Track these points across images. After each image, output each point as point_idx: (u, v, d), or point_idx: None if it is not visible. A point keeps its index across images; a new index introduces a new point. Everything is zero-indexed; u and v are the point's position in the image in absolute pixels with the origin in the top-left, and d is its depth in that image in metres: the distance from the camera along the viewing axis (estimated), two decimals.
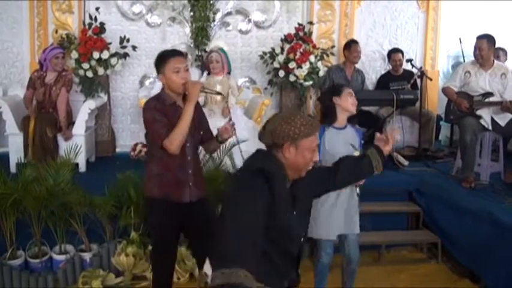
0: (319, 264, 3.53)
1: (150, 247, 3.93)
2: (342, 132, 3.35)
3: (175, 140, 2.81)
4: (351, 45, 6.07)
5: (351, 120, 3.45)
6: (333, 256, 3.51)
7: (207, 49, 5.82)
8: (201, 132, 3.10)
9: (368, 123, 5.76)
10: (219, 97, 5.35)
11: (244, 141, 4.83)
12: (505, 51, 6.23)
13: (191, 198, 3.01)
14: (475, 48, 4.90)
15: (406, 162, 5.53)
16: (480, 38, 4.86)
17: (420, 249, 4.81)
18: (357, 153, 3.24)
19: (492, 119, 4.88)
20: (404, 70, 6.22)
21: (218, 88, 5.36)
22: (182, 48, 5.69)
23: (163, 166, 2.96)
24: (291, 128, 2.09)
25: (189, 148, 2.98)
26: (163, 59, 2.93)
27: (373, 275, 4.19)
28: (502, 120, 4.90)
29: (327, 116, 3.41)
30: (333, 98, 3.33)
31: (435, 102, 6.46)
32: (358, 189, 3.42)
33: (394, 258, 4.66)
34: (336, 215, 3.32)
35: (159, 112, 2.86)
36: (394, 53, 6.24)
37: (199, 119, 3.07)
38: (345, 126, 3.38)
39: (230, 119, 3.09)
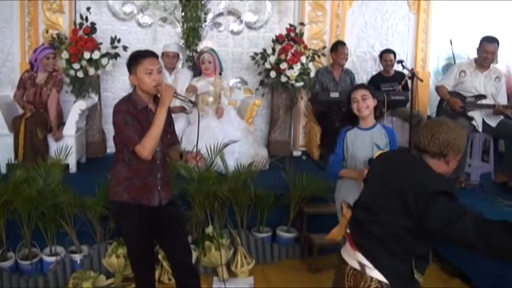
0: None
1: None
2: (368, 132, 3.36)
3: (147, 146, 2.76)
4: (337, 47, 6.07)
5: (344, 120, 3.46)
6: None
7: (198, 50, 5.83)
8: (168, 136, 3.06)
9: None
10: (210, 98, 5.37)
11: (236, 142, 4.86)
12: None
13: (161, 202, 2.99)
14: (485, 51, 4.88)
15: None
16: (491, 41, 4.85)
17: None
18: (378, 153, 3.20)
19: (483, 120, 4.92)
20: (396, 71, 6.24)
21: (210, 89, 5.37)
22: (174, 48, 5.70)
23: (132, 170, 2.91)
24: (461, 142, 2.11)
25: (158, 152, 2.94)
26: (135, 59, 2.86)
27: None
28: (493, 121, 4.94)
29: (352, 118, 3.42)
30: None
31: (426, 103, 6.48)
32: None
33: None
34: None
35: (131, 116, 2.80)
36: (385, 54, 6.26)
37: (168, 123, 3.01)
38: (373, 126, 3.38)
39: (198, 154, 2.98)
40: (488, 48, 4.86)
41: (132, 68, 2.85)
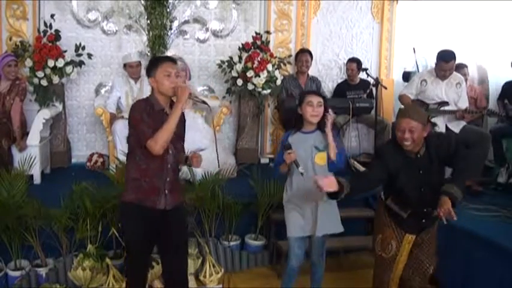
0: (287, 267, 3.59)
1: (107, 259, 3.90)
2: (310, 136, 3.45)
3: (160, 139, 2.85)
4: (298, 55, 6.19)
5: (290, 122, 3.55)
6: (303, 259, 3.56)
7: None
8: (182, 142, 3.16)
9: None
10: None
11: (204, 150, 4.85)
12: (467, 67, 6.42)
13: (166, 206, 3.04)
14: (442, 70, 5.04)
15: (362, 169, 5.69)
16: (447, 61, 5.00)
17: None
18: (320, 154, 3.38)
19: (446, 127, 5.06)
20: (361, 79, 6.36)
21: None
22: (135, 57, 5.64)
23: (140, 170, 2.99)
24: None
25: (170, 155, 3.02)
26: (155, 62, 3.02)
27: (333, 280, 4.25)
28: (456, 127, 5.08)
29: (297, 122, 3.51)
30: (298, 108, 3.47)
31: (390, 110, 6.62)
32: None
33: (352, 262, 4.73)
34: (301, 213, 3.44)
35: (149, 116, 2.91)
36: (349, 63, 6.37)
37: (182, 130, 3.15)
38: (314, 130, 3.45)
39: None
40: (445, 67, 5.04)
41: (152, 71, 3.00)
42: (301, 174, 3.26)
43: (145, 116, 2.91)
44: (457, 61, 5.72)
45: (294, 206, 3.49)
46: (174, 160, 3.08)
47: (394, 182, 3.11)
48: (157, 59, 3.10)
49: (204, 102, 3.35)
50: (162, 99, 3.01)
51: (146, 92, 5.41)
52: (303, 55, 6.15)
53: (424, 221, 3.19)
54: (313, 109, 3.40)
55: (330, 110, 3.43)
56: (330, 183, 2.85)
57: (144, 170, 2.98)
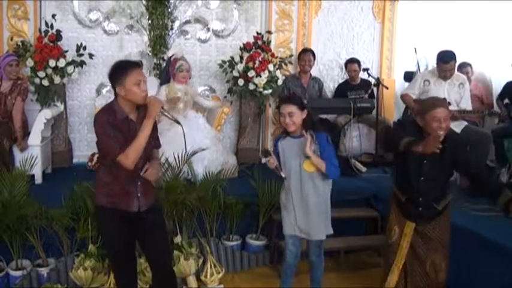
0: (284, 264, 3.61)
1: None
2: (298, 141, 3.40)
3: (131, 156, 2.79)
4: (300, 54, 6.20)
5: (310, 127, 3.50)
6: (299, 256, 3.58)
7: (165, 57, 5.81)
8: (152, 143, 3.06)
9: (326, 131, 5.86)
10: (181, 105, 5.34)
11: (205, 149, 4.86)
12: (471, 66, 6.41)
13: (140, 208, 3.01)
14: (443, 70, 5.04)
15: (363, 169, 5.70)
16: (447, 62, 4.99)
17: (378, 254, 4.90)
18: (308, 161, 3.34)
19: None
20: (362, 79, 6.35)
21: (183, 97, 5.35)
22: (137, 57, 5.64)
23: (112, 176, 2.95)
24: None
25: (140, 161, 2.93)
26: (124, 71, 2.86)
27: (333, 280, 4.25)
28: (457, 127, 5.06)
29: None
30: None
31: (391, 110, 6.62)
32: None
33: (353, 263, 4.73)
34: (294, 211, 3.43)
35: (112, 126, 2.82)
36: (349, 64, 6.37)
37: (153, 133, 3.00)
38: (300, 135, 3.39)
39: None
40: (445, 67, 5.03)
41: (120, 79, 2.84)
42: (284, 178, 3.29)
43: (109, 129, 2.80)
44: (460, 60, 5.74)
45: (285, 204, 3.51)
46: (145, 163, 2.99)
47: (402, 162, 3.25)
48: (125, 66, 2.90)
49: (176, 121, 3.22)
50: (127, 106, 2.89)
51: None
52: (306, 55, 6.15)
53: (420, 209, 3.24)
54: (284, 119, 3.36)
55: (307, 132, 3.33)
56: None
57: (116, 176, 2.93)
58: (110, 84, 2.97)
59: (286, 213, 3.51)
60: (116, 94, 2.92)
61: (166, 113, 3.09)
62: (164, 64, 5.81)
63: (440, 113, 3.09)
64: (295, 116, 3.33)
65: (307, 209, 3.41)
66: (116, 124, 2.84)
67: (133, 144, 2.80)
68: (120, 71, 2.87)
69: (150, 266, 3.29)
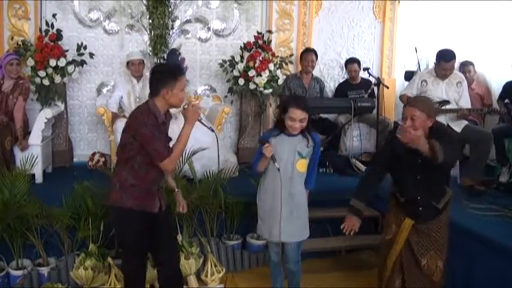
0: (270, 263, 3.65)
1: (109, 258, 3.90)
2: (293, 139, 3.37)
3: (175, 161, 2.99)
4: (303, 54, 6.18)
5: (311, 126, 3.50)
6: (281, 254, 3.56)
7: (165, 56, 5.80)
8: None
9: (326, 130, 5.89)
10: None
11: (206, 149, 4.85)
12: (473, 65, 6.40)
13: (161, 208, 3.13)
14: (443, 69, 5.04)
15: (364, 168, 5.69)
16: (447, 60, 5.00)
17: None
18: (302, 161, 3.35)
19: (448, 126, 5.04)
20: (362, 79, 6.35)
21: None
22: (138, 55, 5.64)
23: (139, 178, 3.02)
24: None
25: None
26: (175, 75, 2.95)
27: (333, 280, 4.26)
28: (458, 126, 5.07)
29: (279, 123, 3.44)
30: (282, 114, 3.39)
31: (392, 110, 6.61)
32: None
33: (353, 262, 4.73)
34: (280, 211, 3.32)
35: (157, 129, 2.92)
36: (349, 64, 6.37)
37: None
38: (297, 134, 3.36)
39: None
40: (446, 66, 5.03)
41: (169, 82, 2.92)
42: (278, 169, 3.22)
43: (157, 132, 2.90)
44: (462, 59, 5.73)
45: (271, 207, 3.42)
46: None
47: (395, 165, 3.24)
48: (177, 72, 3.01)
49: (211, 129, 3.43)
50: (164, 108, 3.00)
51: (148, 92, 5.40)
52: (308, 54, 6.15)
53: (421, 209, 3.23)
54: (293, 124, 3.30)
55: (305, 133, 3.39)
56: (353, 223, 3.25)
57: (143, 177, 3.02)
58: (153, 85, 2.99)
59: (269, 220, 3.41)
60: (153, 96, 2.98)
61: (203, 121, 3.23)
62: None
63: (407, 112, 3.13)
64: (305, 121, 3.32)
65: (294, 207, 3.39)
66: (159, 127, 2.94)
67: (177, 150, 2.96)
68: (171, 75, 2.96)
69: (157, 264, 3.35)
